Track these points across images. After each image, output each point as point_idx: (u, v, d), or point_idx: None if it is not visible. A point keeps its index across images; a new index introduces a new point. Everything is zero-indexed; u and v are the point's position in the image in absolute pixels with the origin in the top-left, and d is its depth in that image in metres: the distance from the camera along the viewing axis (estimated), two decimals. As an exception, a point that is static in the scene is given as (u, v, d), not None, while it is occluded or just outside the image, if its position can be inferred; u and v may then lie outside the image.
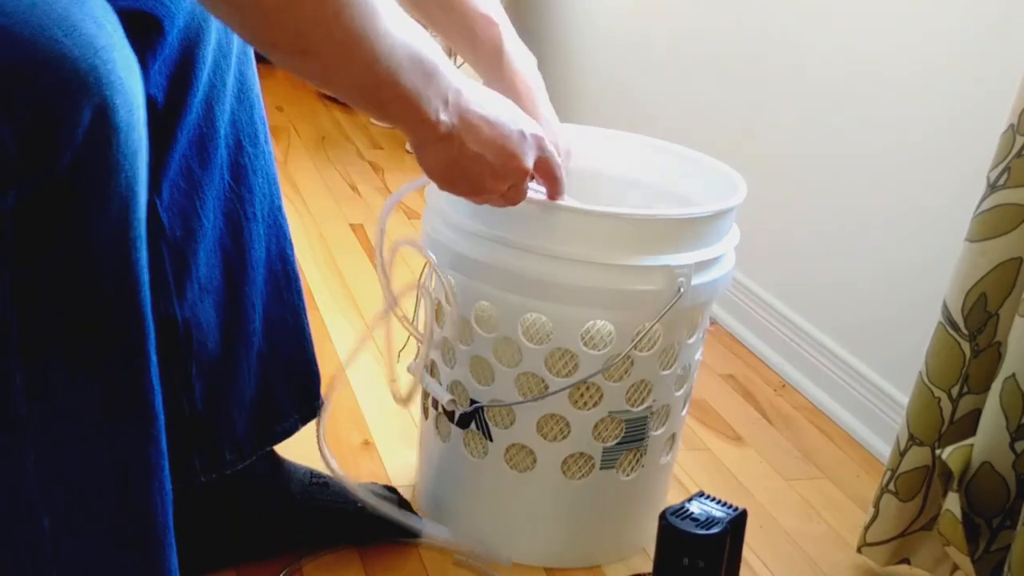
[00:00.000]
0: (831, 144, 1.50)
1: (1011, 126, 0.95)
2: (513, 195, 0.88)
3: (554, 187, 0.93)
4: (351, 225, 1.96)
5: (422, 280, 1.06)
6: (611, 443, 1.03)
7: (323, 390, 1.07)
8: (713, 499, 0.97)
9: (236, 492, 1.01)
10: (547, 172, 0.91)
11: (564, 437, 1.02)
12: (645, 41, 2.00)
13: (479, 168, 0.82)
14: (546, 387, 1.00)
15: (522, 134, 0.84)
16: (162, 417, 0.68)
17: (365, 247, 1.87)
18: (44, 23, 0.56)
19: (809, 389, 1.53)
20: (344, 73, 0.70)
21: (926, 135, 1.33)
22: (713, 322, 1.74)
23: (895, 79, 1.38)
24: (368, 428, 1.31)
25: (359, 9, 0.66)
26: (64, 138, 0.56)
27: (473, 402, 1.04)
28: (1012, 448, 0.97)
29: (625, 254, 0.95)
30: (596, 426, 1.02)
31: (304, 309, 1.03)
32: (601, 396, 1.01)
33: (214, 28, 0.87)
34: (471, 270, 0.99)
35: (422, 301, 1.07)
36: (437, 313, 1.07)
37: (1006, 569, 0.95)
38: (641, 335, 0.98)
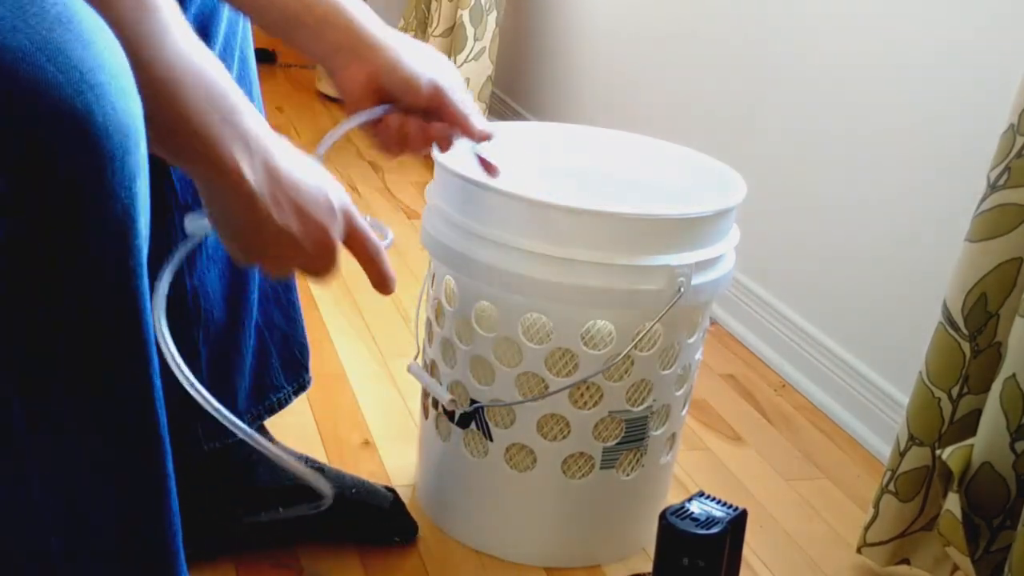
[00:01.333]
0: (831, 144, 1.50)
1: (1011, 126, 0.95)
2: (320, 268, 0.75)
3: (372, 269, 0.78)
4: (351, 225, 1.96)
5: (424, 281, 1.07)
6: (611, 443, 1.03)
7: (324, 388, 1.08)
8: (713, 499, 0.97)
9: (231, 473, 1.02)
10: (360, 252, 0.77)
11: (564, 437, 1.02)
12: (645, 41, 2.00)
13: (285, 241, 0.70)
14: (546, 387, 1.00)
15: (330, 206, 0.72)
16: (168, 442, 0.67)
17: (365, 247, 1.87)
18: (26, 48, 0.52)
19: (809, 389, 1.53)
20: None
21: (926, 135, 1.33)
22: (713, 322, 1.74)
23: (895, 79, 1.38)
24: (368, 428, 1.31)
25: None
26: (52, 172, 0.53)
27: (473, 402, 1.04)
28: (1012, 448, 0.97)
29: (625, 254, 0.95)
30: (596, 426, 1.02)
31: (295, 283, 1.06)
32: (601, 396, 1.01)
33: (225, 11, 0.88)
34: (471, 270, 0.99)
35: (423, 301, 1.07)
36: (437, 312, 1.07)
37: (1006, 569, 0.95)
38: (641, 335, 0.98)
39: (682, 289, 0.96)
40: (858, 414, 1.44)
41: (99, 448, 0.63)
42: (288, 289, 1.05)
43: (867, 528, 1.12)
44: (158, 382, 0.65)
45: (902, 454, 1.07)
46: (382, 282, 0.79)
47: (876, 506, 1.11)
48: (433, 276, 1.08)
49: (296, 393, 1.08)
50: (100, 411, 0.62)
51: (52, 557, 0.64)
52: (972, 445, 0.99)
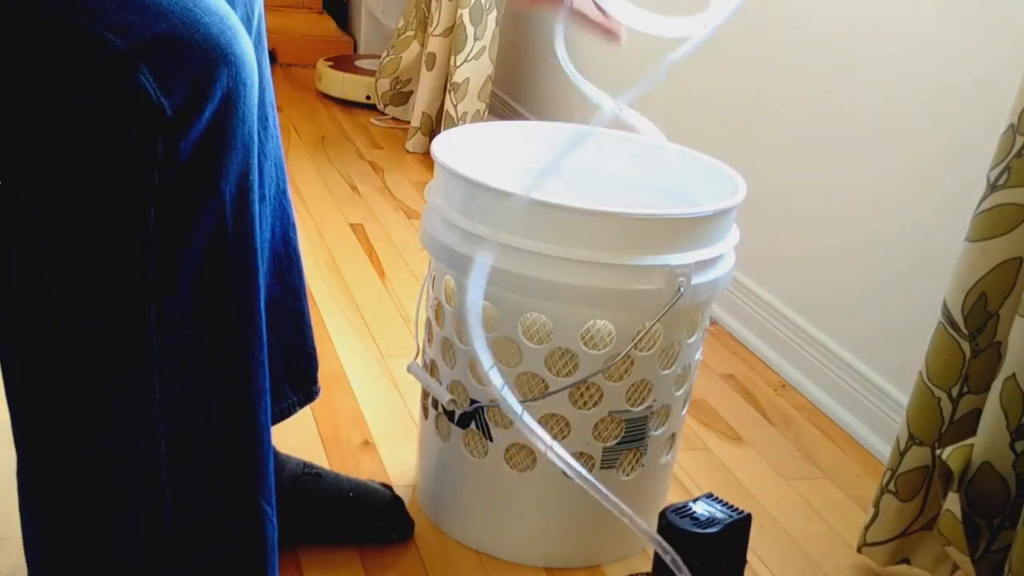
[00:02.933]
0: (831, 144, 1.50)
1: (1011, 126, 0.95)
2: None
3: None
4: (351, 225, 1.96)
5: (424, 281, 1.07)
6: (611, 443, 1.03)
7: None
8: (720, 501, 0.97)
9: None
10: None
11: (564, 437, 1.02)
12: (645, 40, 2.00)
13: None
14: (546, 387, 1.00)
15: None
16: (266, 345, 0.76)
17: (365, 247, 1.87)
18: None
19: (809, 389, 1.53)
20: None
21: (926, 134, 1.33)
22: (713, 322, 1.74)
23: (895, 79, 1.38)
24: (368, 428, 1.31)
25: None
26: (208, 98, 0.64)
27: (473, 402, 1.04)
28: (1012, 448, 0.97)
29: (626, 253, 0.95)
30: (596, 426, 1.02)
31: (305, 292, 1.05)
32: (601, 396, 1.01)
33: (240, 5, 0.89)
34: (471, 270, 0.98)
35: (423, 301, 1.07)
36: (437, 313, 1.07)
37: (1006, 569, 0.95)
38: (641, 335, 0.98)
39: (682, 289, 0.96)
40: (858, 414, 1.44)
41: (215, 350, 0.72)
42: (297, 297, 1.04)
43: (867, 528, 1.12)
44: (262, 282, 0.74)
45: (902, 454, 1.07)
46: (606, 32, 0.92)
47: (876, 506, 1.11)
48: (433, 276, 1.08)
49: (301, 404, 1.07)
50: (218, 310, 0.71)
51: (159, 460, 0.71)
52: (972, 445, 0.99)
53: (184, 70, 0.63)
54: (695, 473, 1.30)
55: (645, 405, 1.03)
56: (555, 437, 1.03)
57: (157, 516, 0.72)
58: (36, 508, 0.72)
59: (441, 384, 1.07)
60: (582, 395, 1.01)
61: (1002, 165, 0.95)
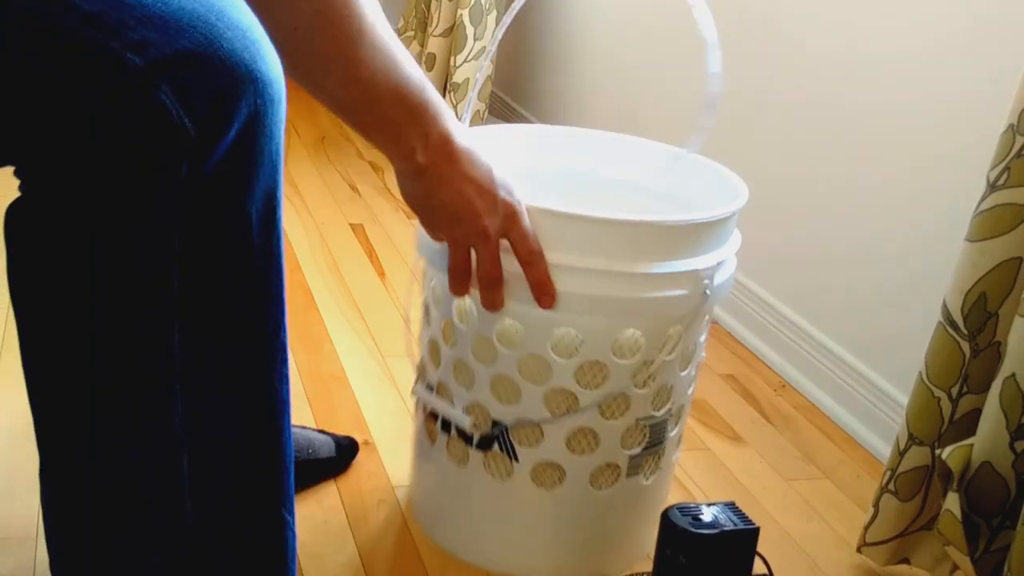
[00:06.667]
0: (831, 144, 1.50)
1: (1011, 126, 0.95)
2: (483, 258, 0.90)
3: (528, 273, 0.91)
4: (351, 225, 1.96)
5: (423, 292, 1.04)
6: (636, 450, 1.01)
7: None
8: (738, 512, 0.96)
9: None
10: (519, 251, 0.90)
11: (593, 449, 1.00)
12: (646, 40, 2.00)
13: (442, 213, 0.88)
14: (576, 401, 0.98)
15: (492, 199, 0.87)
16: (288, 358, 0.76)
17: (365, 247, 1.87)
18: (198, 9, 0.62)
19: (809, 389, 1.53)
20: (320, 84, 0.77)
21: (926, 135, 1.33)
22: (713, 322, 1.74)
23: (895, 79, 1.38)
24: (368, 428, 1.31)
25: (342, 30, 0.74)
26: (232, 117, 0.64)
27: (495, 423, 1.00)
28: (1012, 448, 0.97)
29: (656, 261, 0.93)
30: (623, 435, 1.00)
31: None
32: (629, 404, 0.99)
33: None
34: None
35: (423, 316, 1.05)
36: (446, 333, 1.03)
37: (1006, 569, 0.95)
38: (671, 340, 0.97)
39: (708, 291, 0.95)
40: (858, 414, 1.44)
41: (236, 366, 0.72)
42: None
43: (867, 527, 1.12)
44: (284, 296, 0.74)
45: (902, 453, 1.07)
46: (540, 289, 0.91)
47: (876, 505, 1.11)
48: (434, 290, 1.04)
49: None
50: (239, 330, 0.72)
51: (181, 473, 0.72)
52: (972, 444, 0.99)
53: (206, 89, 0.62)
54: (695, 473, 1.30)
55: (666, 408, 1.02)
56: (583, 451, 1.00)
57: (179, 527, 0.73)
58: (57, 510, 0.73)
59: (455, 406, 1.03)
60: (610, 406, 0.99)
61: (1002, 165, 0.95)
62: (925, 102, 1.33)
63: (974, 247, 0.98)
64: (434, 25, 2.38)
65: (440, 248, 0.94)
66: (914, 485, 1.07)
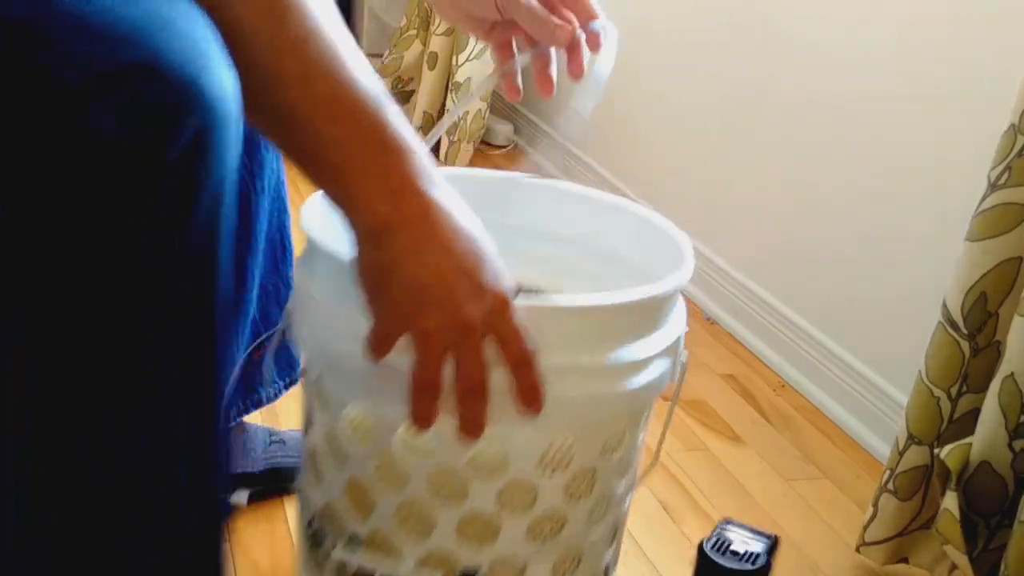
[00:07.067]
0: (830, 144, 1.50)
1: (1011, 126, 0.95)
2: (465, 359, 0.65)
3: (518, 375, 0.67)
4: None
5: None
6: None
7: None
8: (741, 525, 0.95)
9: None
10: (507, 350, 0.66)
11: None
12: (647, 37, 2.00)
13: (407, 296, 0.64)
14: (498, 528, 0.75)
15: (479, 279, 0.64)
16: (222, 406, 0.68)
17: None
18: (140, 19, 0.55)
19: (809, 389, 1.53)
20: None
21: (926, 134, 1.33)
22: (713, 322, 1.74)
23: (895, 79, 1.38)
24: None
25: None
26: (174, 137, 0.56)
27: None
28: (1010, 447, 0.97)
29: (615, 345, 0.72)
30: (556, 565, 0.78)
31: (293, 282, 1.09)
32: (564, 525, 0.77)
33: None
34: (376, 388, 0.70)
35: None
36: (337, 453, 0.77)
37: (1003, 567, 0.95)
38: (616, 439, 0.77)
39: (681, 368, 0.78)
40: (857, 414, 1.44)
41: (163, 407, 0.64)
42: (288, 285, 1.07)
43: (866, 527, 1.12)
44: (222, 343, 0.66)
45: (901, 453, 1.07)
46: (530, 396, 0.68)
47: (875, 505, 1.11)
48: (320, 391, 0.77)
49: (287, 387, 1.10)
50: (174, 369, 0.63)
51: (178, 474, 0.65)
52: (971, 444, 0.99)
53: (145, 107, 0.54)
54: (695, 473, 1.30)
55: (604, 522, 0.80)
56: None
57: (179, 528, 0.69)
58: (57, 511, 0.72)
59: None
60: (542, 530, 0.77)
61: (1003, 165, 0.95)
62: (925, 101, 1.33)
63: (974, 247, 0.98)
64: (436, 24, 2.38)
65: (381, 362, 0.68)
66: (913, 484, 1.08)
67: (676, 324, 0.77)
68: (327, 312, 0.73)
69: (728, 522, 0.96)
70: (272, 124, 0.63)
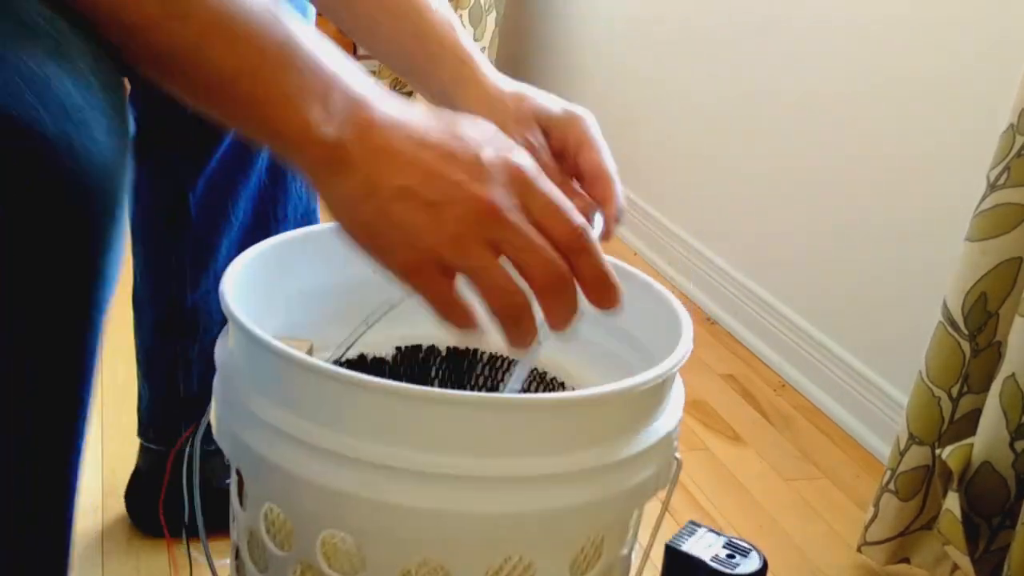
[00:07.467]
0: (831, 145, 1.50)
1: (1011, 126, 0.95)
2: (482, 273, 0.52)
3: (582, 264, 0.54)
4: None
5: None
6: None
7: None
8: (707, 528, 0.84)
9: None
10: (556, 230, 0.53)
11: None
12: (646, 40, 2.00)
13: (404, 208, 0.51)
14: None
15: (476, 154, 0.52)
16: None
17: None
18: (11, 78, 0.45)
19: (809, 389, 1.53)
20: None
21: (925, 134, 1.33)
22: (713, 322, 1.74)
23: (895, 78, 1.38)
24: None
25: None
26: (32, 218, 0.46)
27: None
28: (1012, 447, 0.97)
29: (625, 430, 0.61)
30: None
31: None
32: None
33: None
34: (310, 495, 0.58)
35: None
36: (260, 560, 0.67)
37: (1005, 568, 0.95)
38: (591, 548, 0.65)
39: (676, 465, 0.67)
40: (858, 414, 1.44)
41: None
42: None
43: (867, 527, 1.12)
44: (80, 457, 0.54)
45: (902, 453, 1.07)
46: (598, 284, 0.55)
47: (876, 505, 1.11)
48: (242, 496, 0.67)
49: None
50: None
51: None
52: (972, 444, 0.99)
53: (9, 185, 0.44)
54: (695, 473, 1.30)
55: None
56: None
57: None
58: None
59: None
60: None
61: (1002, 165, 0.95)
62: (925, 102, 1.33)
63: (974, 247, 0.98)
64: (434, 25, 2.38)
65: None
66: (914, 485, 1.08)
67: (667, 418, 0.64)
68: (241, 407, 0.61)
69: (694, 523, 0.88)
70: (156, 65, 0.51)
